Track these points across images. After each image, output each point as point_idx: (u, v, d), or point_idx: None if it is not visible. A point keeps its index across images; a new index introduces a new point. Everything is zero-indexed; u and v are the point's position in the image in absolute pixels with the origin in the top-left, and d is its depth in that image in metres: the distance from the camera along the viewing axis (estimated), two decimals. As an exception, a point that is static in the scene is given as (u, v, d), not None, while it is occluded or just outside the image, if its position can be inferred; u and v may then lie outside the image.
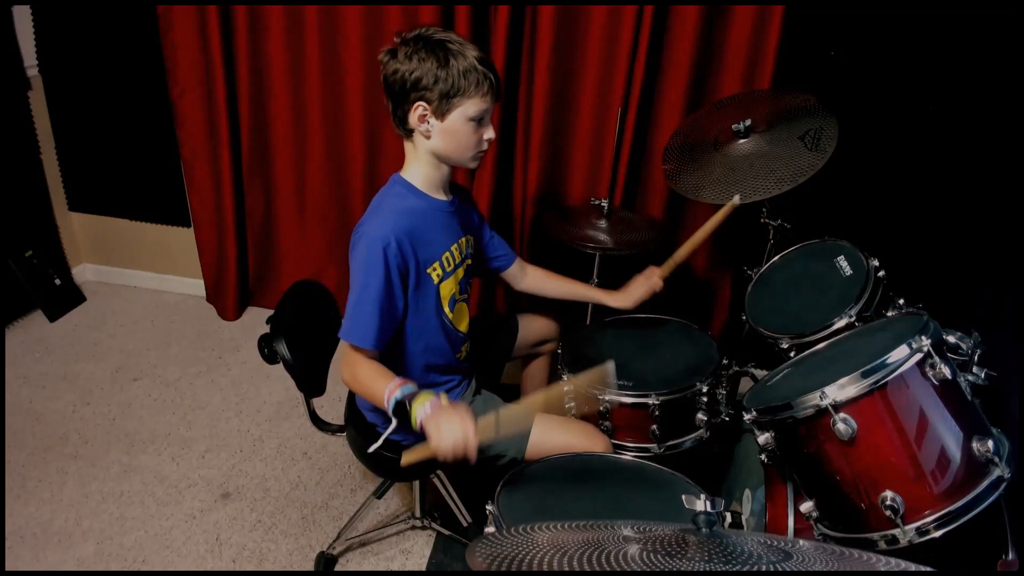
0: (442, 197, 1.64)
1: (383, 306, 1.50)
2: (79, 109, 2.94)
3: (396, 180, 1.61)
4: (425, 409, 1.37)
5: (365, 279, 1.49)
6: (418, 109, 1.48)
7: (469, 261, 1.73)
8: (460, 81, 1.44)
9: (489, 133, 1.54)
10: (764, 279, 2.01)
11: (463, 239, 1.69)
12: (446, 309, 1.65)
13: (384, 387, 1.43)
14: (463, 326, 1.73)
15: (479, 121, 1.51)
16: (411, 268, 1.54)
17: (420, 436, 1.39)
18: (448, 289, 1.64)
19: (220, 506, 2.19)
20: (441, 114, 1.48)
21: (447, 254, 1.63)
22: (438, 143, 1.52)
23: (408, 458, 1.39)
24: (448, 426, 1.32)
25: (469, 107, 1.48)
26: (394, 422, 1.47)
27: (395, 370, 1.57)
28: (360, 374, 1.50)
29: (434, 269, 1.60)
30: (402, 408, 1.41)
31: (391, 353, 1.59)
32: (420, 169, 1.58)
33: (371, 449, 1.60)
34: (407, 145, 1.58)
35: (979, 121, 2.13)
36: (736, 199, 1.84)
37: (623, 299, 1.92)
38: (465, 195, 1.81)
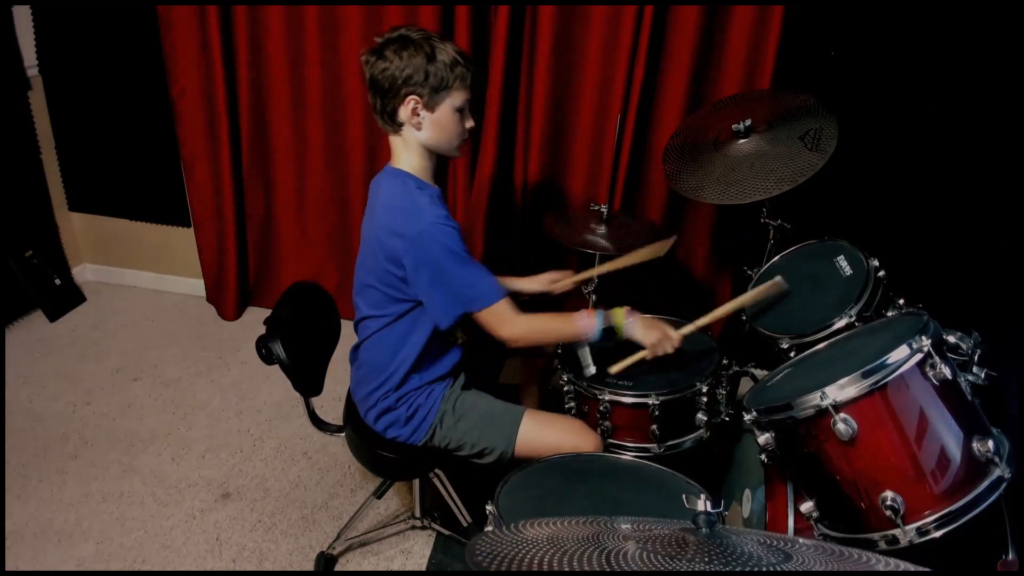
0: (435, 186, 1.72)
1: (481, 264, 1.62)
2: (79, 109, 2.94)
3: (401, 174, 1.66)
4: (628, 319, 1.69)
5: (457, 254, 1.57)
6: (410, 103, 1.58)
7: None
8: (447, 75, 1.57)
9: (470, 122, 1.68)
10: (764, 279, 2.01)
11: None
12: None
13: (576, 322, 1.66)
14: None
15: (462, 111, 1.64)
16: None
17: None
18: None
19: (220, 506, 2.19)
20: (432, 107, 1.60)
21: None
22: (429, 134, 1.63)
23: (617, 368, 1.74)
24: (650, 329, 1.70)
25: (456, 98, 1.61)
26: (589, 341, 1.72)
27: (408, 347, 1.69)
28: (534, 324, 1.67)
29: None
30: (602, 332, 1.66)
31: (409, 333, 1.69)
32: (415, 161, 1.67)
33: (615, 369, 1.77)
34: (395, 139, 1.66)
35: (979, 121, 2.12)
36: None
37: (529, 283, 2.01)
38: None
